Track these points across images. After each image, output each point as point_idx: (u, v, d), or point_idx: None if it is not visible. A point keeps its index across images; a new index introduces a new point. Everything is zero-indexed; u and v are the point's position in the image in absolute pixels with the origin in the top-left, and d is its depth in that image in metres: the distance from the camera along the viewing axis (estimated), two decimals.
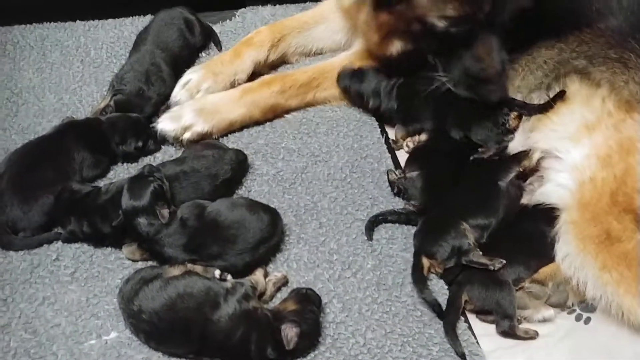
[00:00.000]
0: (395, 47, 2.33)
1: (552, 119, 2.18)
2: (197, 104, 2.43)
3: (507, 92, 2.25)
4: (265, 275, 2.03)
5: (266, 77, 2.56)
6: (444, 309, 2.00)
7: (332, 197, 2.30)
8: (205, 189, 2.19)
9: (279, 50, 2.67)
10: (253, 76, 2.59)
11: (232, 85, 2.54)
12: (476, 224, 2.10)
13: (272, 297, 2.02)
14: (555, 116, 2.17)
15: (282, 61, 2.72)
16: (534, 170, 2.25)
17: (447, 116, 2.35)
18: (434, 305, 2.00)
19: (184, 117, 2.38)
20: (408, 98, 2.43)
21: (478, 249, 2.04)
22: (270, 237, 2.08)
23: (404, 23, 2.20)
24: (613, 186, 1.99)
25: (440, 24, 2.11)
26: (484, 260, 2.00)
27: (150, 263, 2.06)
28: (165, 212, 2.00)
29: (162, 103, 2.50)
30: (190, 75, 2.54)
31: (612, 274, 1.93)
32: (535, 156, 2.22)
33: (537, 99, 2.25)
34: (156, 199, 2.00)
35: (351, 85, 2.49)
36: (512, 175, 2.20)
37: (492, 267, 1.98)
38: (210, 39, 2.81)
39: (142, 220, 1.98)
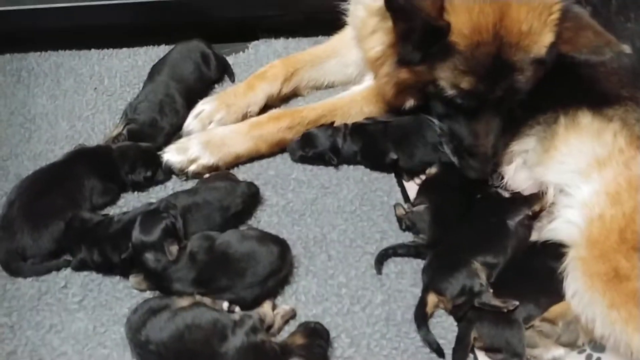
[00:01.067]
0: (408, 102, 2.38)
1: (561, 150, 2.17)
2: (204, 137, 2.44)
3: (487, 176, 2.33)
4: (274, 308, 2.02)
5: (275, 111, 2.59)
6: (452, 345, 1.99)
7: (341, 230, 2.30)
8: (216, 220, 2.19)
9: (292, 84, 2.70)
10: (265, 108, 2.62)
11: (245, 117, 2.56)
12: (485, 261, 2.09)
13: (280, 330, 2.00)
14: (564, 147, 2.16)
15: (294, 94, 2.75)
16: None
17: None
18: (432, 344, 1.99)
19: (190, 150, 2.39)
20: (365, 138, 2.47)
21: (490, 289, 2.03)
22: (280, 269, 2.07)
23: (421, 83, 2.23)
24: (622, 224, 1.98)
25: (451, 92, 2.14)
26: (497, 302, 1.98)
27: (158, 292, 2.05)
28: (174, 249, 1.99)
29: (175, 134, 2.52)
30: (204, 106, 2.56)
31: (621, 312, 1.91)
32: (550, 194, 2.22)
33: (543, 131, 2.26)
34: (166, 236, 2.00)
35: (307, 152, 2.46)
36: (521, 216, 2.20)
37: (505, 310, 1.97)
38: (225, 72, 2.83)
39: (149, 256, 1.98)
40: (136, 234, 2.00)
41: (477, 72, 2.08)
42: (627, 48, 2.02)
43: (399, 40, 2.15)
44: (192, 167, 2.39)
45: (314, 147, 2.45)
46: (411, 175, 2.48)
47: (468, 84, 2.10)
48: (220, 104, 2.56)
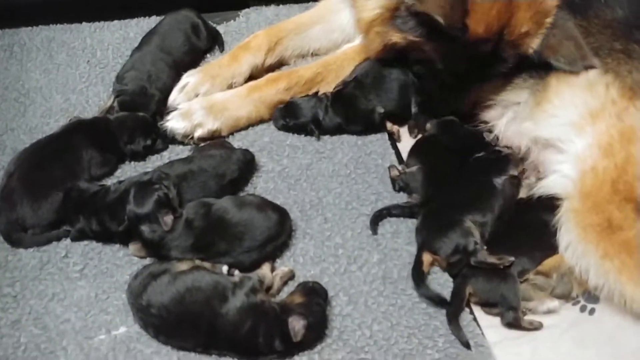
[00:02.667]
0: (391, 55, 2.40)
1: (553, 102, 2.18)
2: (206, 102, 2.45)
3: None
4: (273, 269, 2.05)
5: (272, 74, 2.58)
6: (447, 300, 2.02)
7: (336, 193, 2.31)
8: (212, 188, 2.21)
9: (276, 53, 2.68)
10: (250, 79, 2.60)
11: (230, 88, 2.56)
12: (474, 220, 2.11)
13: (279, 290, 2.03)
14: (557, 100, 2.18)
15: (280, 64, 2.73)
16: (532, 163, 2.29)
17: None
18: (433, 299, 2.02)
19: (194, 115, 2.40)
20: (345, 107, 2.46)
21: (484, 247, 2.05)
22: (278, 235, 2.09)
23: (410, 48, 2.28)
24: (614, 175, 2.00)
25: (440, 66, 2.24)
26: (492, 260, 2.00)
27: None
28: (169, 219, 2.01)
29: (165, 101, 2.51)
30: (188, 79, 2.55)
31: (614, 261, 1.94)
32: (535, 153, 2.27)
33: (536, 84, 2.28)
34: (159, 207, 2.01)
35: (288, 122, 2.46)
36: (508, 175, 2.22)
37: (500, 267, 1.99)
38: (215, 42, 2.82)
39: (145, 228, 2.00)
40: (130, 207, 2.01)
41: (470, 59, 2.14)
42: (596, 63, 2.13)
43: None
44: (197, 133, 2.40)
45: (295, 118, 2.45)
46: (399, 124, 2.50)
47: (462, 68, 2.17)
48: (205, 76, 2.56)
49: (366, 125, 2.50)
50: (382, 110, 2.47)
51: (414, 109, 2.49)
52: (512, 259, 2.00)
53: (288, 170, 2.38)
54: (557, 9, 2.13)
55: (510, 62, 2.18)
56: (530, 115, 2.24)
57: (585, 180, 2.03)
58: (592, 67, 2.12)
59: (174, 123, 2.40)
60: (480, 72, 2.22)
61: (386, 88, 2.47)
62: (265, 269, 2.02)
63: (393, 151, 2.47)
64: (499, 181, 2.19)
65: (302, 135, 2.50)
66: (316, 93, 2.50)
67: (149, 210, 2.00)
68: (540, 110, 2.21)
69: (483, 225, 2.11)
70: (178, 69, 2.60)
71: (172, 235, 2.01)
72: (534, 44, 2.15)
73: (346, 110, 2.46)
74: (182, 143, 2.42)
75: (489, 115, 2.36)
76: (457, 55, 2.17)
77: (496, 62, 2.18)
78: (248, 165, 2.33)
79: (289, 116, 2.46)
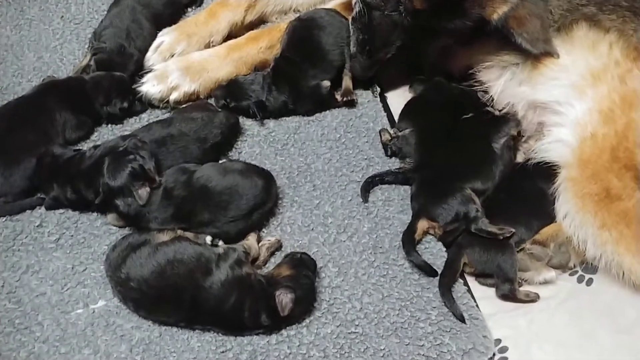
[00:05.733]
0: None
1: (551, 67, 2.09)
2: (183, 62, 2.33)
3: (366, 76, 2.36)
4: (259, 240, 1.98)
5: (253, 32, 2.47)
6: (439, 271, 1.96)
7: (326, 158, 2.24)
8: (193, 153, 2.11)
9: (256, 10, 2.56)
10: (229, 37, 2.47)
11: (207, 47, 2.43)
12: (474, 188, 2.04)
13: (265, 262, 1.97)
14: (557, 60, 2.08)
15: (260, 21, 2.60)
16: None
17: None
18: (423, 267, 1.96)
19: (170, 77, 2.29)
20: (288, 85, 2.30)
21: (484, 215, 1.98)
22: (264, 202, 2.01)
23: None
24: (614, 142, 1.94)
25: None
26: (493, 229, 1.94)
27: None
28: (144, 192, 1.92)
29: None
30: (163, 38, 2.43)
31: (612, 232, 1.90)
32: (531, 115, 2.18)
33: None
34: (133, 180, 1.92)
35: (229, 103, 2.28)
36: (506, 137, 2.15)
37: (501, 237, 1.93)
38: None
39: (119, 202, 1.92)
40: (103, 180, 1.93)
41: (435, 2, 2.03)
42: (556, 54, 2.05)
43: None
44: (174, 96, 2.29)
45: (236, 100, 2.29)
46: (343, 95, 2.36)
47: (419, 4, 2.04)
48: (181, 34, 2.43)
49: (315, 103, 2.34)
50: (327, 84, 2.31)
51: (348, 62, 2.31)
52: (513, 230, 1.95)
53: (275, 134, 2.30)
54: None
55: (471, 21, 2.06)
56: (528, 77, 2.14)
57: (584, 148, 1.97)
58: (550, 53, 2.05)
59: (148, 86, 2.29)
60: (440, 23, 2.09)
61: (321, 55, 2.31)
62: (251, 239, 1.95)
63: (385, 114, 2.38)
64: (498, 144, 2.12)
65: None
66: (262, 68, 2.34)
67: (122, 183, 1.91)
68: (539, 73, 2.11)
69: (483, 193, 2.05)
70: (158, 24, 2.48)
71: (150, 208, 1.93)
72: (500, 10, 2.03)
73: (290, 89, 2.30)
74: (158, 107, 2.32)
75: (486, 76, 2.27)
76: None
77: (456, 16, 2.05)
78: (232, 128, 2.24)
79: (229, 96, 2.29)
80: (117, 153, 1.96)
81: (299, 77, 2.30)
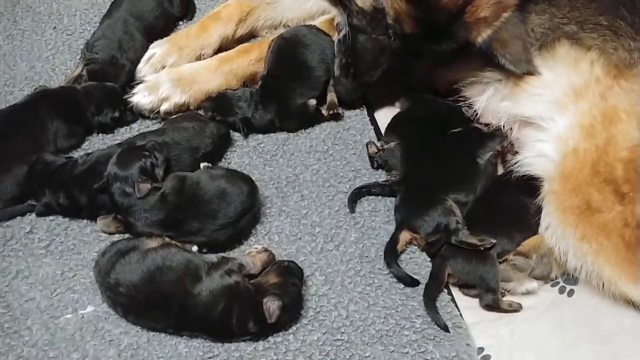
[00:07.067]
0: None
1: (533, 84, 2.14)
2: (174, 74, 2.36)
3: (352, 99, 2.41)
4: (267, 263, 1.94)
5: (243, 45, 2.50)
6: (425, 281, 1.98)
7: (314, 170, 2.26)
8: (186, 161, 2.14)
9: (247, 24, 2.59)
10: (220, 50, 2.51)
11: (198, 59, 2.46)
12: (456, 199, 2.08)
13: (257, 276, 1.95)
14: (539, 76, 2.13)
15: (250, 35, 2.64)
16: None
17: None
18: (404, 278, 1.98)
19: (161, 88, 2.31)
20: (275, 103, 2.33)
21: (465, 227, 2.01)
22: (251, 208, 2.03)
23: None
24: (595, 156, 1.98)
25: (391, 22, 2.14)
26: (473, 240, 1.97)
27: (127, 236, 2.00)
28: (145, 187, 1.94)
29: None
30: (155, 50, 2.45)
31: (592, 244, 1.94)
32: (515, 130, 2.22)
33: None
34: (140, 174, 1.95)
35: (216, 116, 2.30)
36: (491, 152, 2.19)
37: (481, 248, 1.96)
38: (189, 8, 2.72)
39: (116, 188, 1.94)
40: (112, 164, 1.96)
41: (425, 26, 2.08)
42: (538, 71, 2.11)
43: None
44: (164, 106, 2.31)
45: (223, 115, 2.30)
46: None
47: (410, 28, 2.10)
48: (172, 46, 2.46)
49: (302, 121, 2.37)
50: (314, 103, 2.34)
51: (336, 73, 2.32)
52: (493, 241, 1.97)
53: (264, 145, 2.32)
54: (515, 7, 2.08)
55: (457, 43, 2.12)
56: (511, 93, 2.18)
57: (566, 163, 2.01)
58: (532, 73, 2.11)
59: (139, 97, 2.31)
60: (428, 45, 2.15)
61: (307, 73, 2.35)
62: (257, 258, 1.94)
63: (372, 127, 2.41)
64: (482, 159, 2.16)
65: None
66: (250, 85, 2.37)
67: (128, 172, 1.94)
68: (521, 89, 2.15)
69: (464, 205, 2.08)
70: (150, 36, 2.51)
71: (144, 206, 1.95)
72: (484, 34, 2.08)
73: (277, 107, 2.33)
74: (149, 118, 2.34)
75: (470, 91, 2.31)
76: (414, 19, 2.08)
77: (444, 39, 2.11)
78: (222, 139, 2.27)
79: (216, 110, 2.31)
80: (133, 147, 2.00)
81: (286, 96, 2.33)
